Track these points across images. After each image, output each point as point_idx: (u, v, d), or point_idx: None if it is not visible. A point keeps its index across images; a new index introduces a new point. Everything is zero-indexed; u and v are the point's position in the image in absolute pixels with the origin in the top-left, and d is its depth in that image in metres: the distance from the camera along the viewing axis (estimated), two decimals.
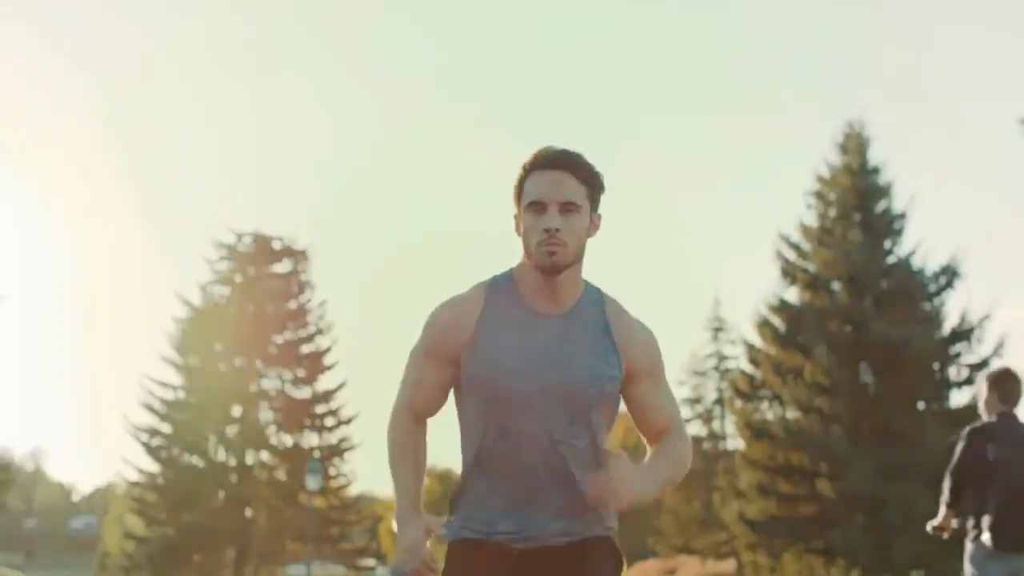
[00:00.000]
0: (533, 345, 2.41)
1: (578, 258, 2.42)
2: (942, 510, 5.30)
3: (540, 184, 2.39)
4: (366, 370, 62.14)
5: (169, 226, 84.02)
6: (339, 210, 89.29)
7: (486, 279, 2.51)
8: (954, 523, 5.30)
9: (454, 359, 2.45)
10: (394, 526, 2.43)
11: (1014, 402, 5.29)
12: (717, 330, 39.34)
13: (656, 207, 78.46)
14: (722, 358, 39.05)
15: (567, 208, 2.38)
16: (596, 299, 2.49)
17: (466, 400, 2.46)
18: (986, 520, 5.10)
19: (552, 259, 2.37)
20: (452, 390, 2.51)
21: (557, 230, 2.35)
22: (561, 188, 2.38)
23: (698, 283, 76.19)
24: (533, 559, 2.40)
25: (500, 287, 2.48)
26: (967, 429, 5.37)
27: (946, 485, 5.30)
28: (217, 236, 30.78)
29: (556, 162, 2.40)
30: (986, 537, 5.09)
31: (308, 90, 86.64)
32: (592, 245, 2.50)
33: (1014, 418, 5.25)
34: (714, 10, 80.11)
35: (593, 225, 2.46)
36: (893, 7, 74.75)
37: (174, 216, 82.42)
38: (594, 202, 2.45)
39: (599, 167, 2.46)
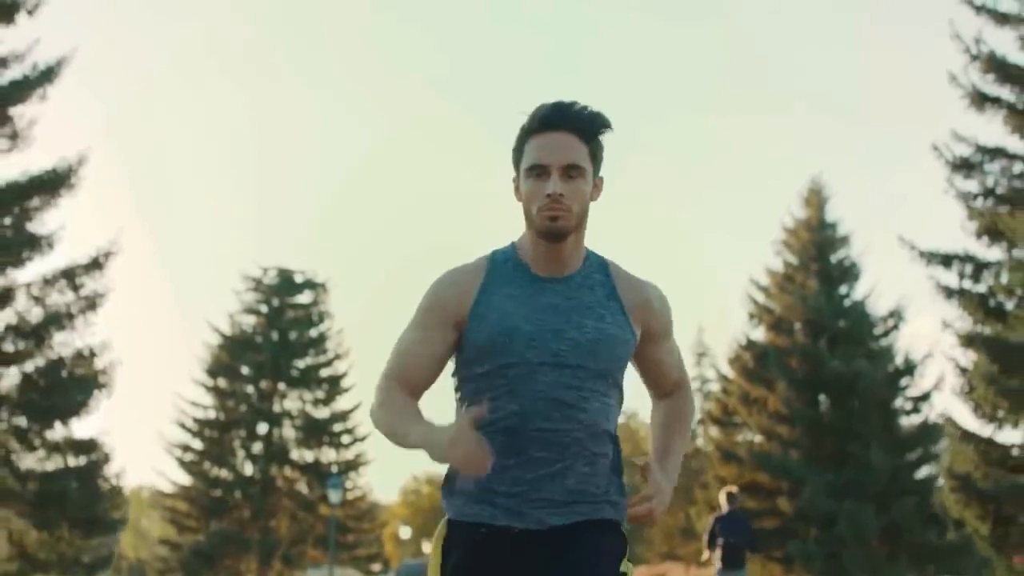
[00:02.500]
0: (541, 309, 2.25)
1: (581, 224, 2.26)
2: (705, 552, 11.72)
3: (541, 147, 2.22)
4: None
5: (168, 227, 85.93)
6: (341, 214, 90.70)
7: (488, 252, 2.36)
8: (713, 558, 11.61)
9: (457, 324, 2.28)
10: (426, 448, 2.08)
11: (734, 504, 11.70)
12: (701, 355, 42.21)
13: (653, 214, 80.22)
14: (704, 381, 41.58)
15: (570, 172, 2.21)
16: (600, 264, 2.34)
17: (469, 370, 2.29)
18: (718, 554, 11.58)
19: (555, 224, 2.21)
20: (451, 361, 2.35)
21: (561, 195, 2.20)
22: (564, 151, 2.21)
23: (688, 300, 78.21)
24: (535, 541, 2.21)
25: (503, 256, 2.33)
26: (712, 517, 11.89)
27: (704, 540, 11.74)
28: (245, 269, 33.88)
29: (559, 123, 2.23)
30: (719, 565, 11.58)
31: (308, 94, 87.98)
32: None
33: (735, 512, 11.74)
34: (714, 17, 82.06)
35: (596, 188, 2.30)
36: (893, 16, 77.20)
37: (173, 217, 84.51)
38: (597, 162, 2.28)
39: (606, 115, 2.27)
